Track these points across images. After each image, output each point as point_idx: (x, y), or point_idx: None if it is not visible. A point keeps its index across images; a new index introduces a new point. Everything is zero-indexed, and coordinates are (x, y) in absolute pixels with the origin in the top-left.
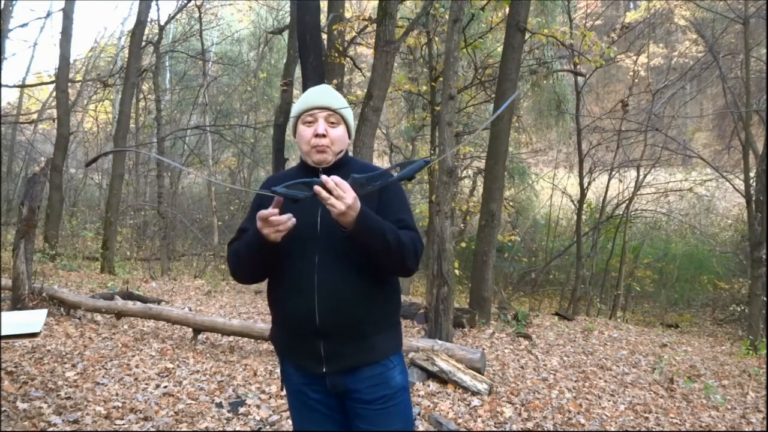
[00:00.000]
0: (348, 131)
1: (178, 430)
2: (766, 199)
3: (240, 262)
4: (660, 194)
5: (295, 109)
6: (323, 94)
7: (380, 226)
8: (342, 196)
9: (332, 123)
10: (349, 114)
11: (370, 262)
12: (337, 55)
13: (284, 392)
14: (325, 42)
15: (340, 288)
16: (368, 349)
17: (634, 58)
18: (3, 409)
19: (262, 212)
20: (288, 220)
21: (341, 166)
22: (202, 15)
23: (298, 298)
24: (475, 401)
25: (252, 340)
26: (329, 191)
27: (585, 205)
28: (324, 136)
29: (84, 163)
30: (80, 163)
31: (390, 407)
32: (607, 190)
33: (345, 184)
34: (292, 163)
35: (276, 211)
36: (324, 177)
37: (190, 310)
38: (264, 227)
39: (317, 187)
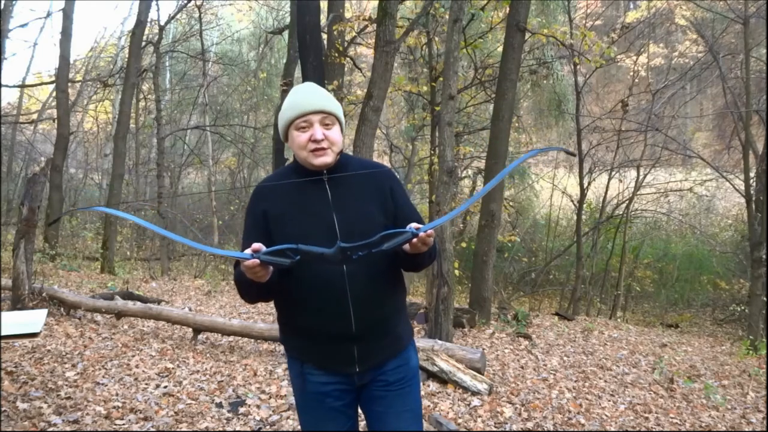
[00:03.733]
0: (342, 129)
1: (178, 430)
2: (766, 199)
3: (243, 289)
4: (660, 194)
5: (286, 115)
6: (314, 96)
7: (435, 244)
8: (429, 243)
9: (327, 125)
10: (341, 111)
11: (391, 261)
12: (337, 55)
13: (285, 391)
14: (325, 42)
15: (371, 293)
16: (396, 342)
17: (634, 58)
18: (3, 409)
19: (245, 263)
20: (265, 274)
21: (341, 166)
22: (202, 15)
23: (331, 306)
24: (475, 401)
25: (252, 340)
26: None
27: (585, 205)
28: (323, 140)
29: (48, 221)
30: (80, 163)
31: (406, 388)
32: (607, 190)
33: (432, 231)
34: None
35: (256, 263)
36: (421, 233)
37: (190, 310)
38: (246, 272)
39: (420, 235)
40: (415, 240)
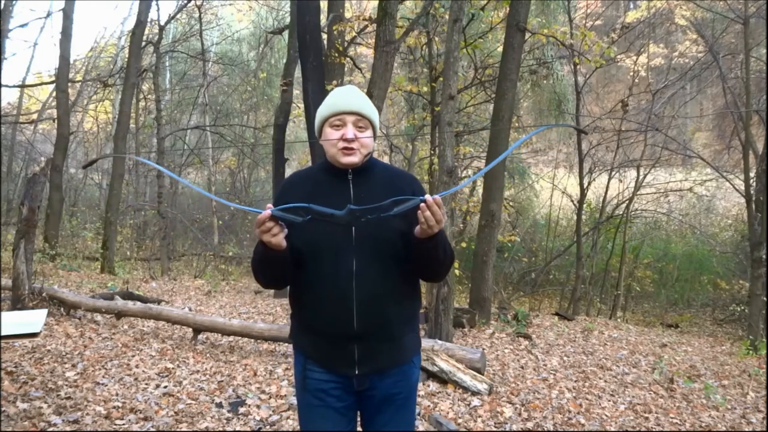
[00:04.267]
0: (374, 134)
1: (178, 430)
2: (766, 199)
3: (258, 267)
4: (660, 194)
5: (322, 113)
6: (352, 97)
7: (446, 238)
8: (441, 219)
9: (360, 127)
10: (377, 117)
11: (405, 267)
12: (337, 55)
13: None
14: (325, 42)
15: (377, 294)
16: (399, 350)
17: (634, 58)
18: (3, 409)
19: (259, 218)
20: (280, 231)
21: (368, 169)
22: (202, 15)
23: (336, 304)
24: (475, 401)
25: (252, 340)
26: (430, 210)
27: (585, 205)
28: (353, 140)
29: (82, 164)
30: (80, 163)
31: (404, 402)
32: (607, 190)
33: (441, 203)
34: (293, 163)
35: (268, 214)
36: (429, 198)
37: (190, 310)
38: (259, 233)
39: (425, 202)
40: (423, 205)
